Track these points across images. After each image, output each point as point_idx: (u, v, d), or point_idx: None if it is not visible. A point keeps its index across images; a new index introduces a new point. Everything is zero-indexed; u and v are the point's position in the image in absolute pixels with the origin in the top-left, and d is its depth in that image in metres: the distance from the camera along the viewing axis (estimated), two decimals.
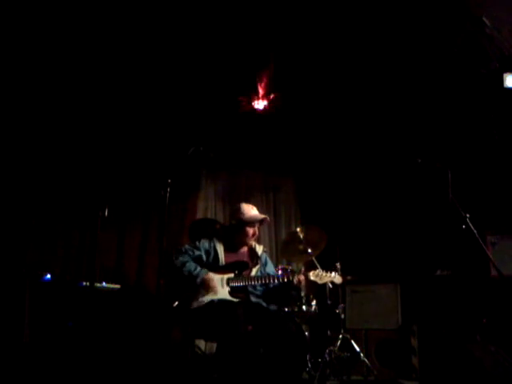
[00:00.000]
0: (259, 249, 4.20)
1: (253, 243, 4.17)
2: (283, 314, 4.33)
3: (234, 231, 4.11)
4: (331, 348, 4.73)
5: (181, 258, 3.91)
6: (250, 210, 4.11)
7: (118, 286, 4.76)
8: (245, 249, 4.16)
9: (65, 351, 4.16)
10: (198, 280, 3.79)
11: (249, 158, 6.33)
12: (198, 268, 3.86)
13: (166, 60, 5.04)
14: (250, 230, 4.07)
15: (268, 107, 5.62)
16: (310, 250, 4.74)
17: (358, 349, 4.82)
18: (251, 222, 4.06)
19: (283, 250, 5.29)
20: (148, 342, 4.51)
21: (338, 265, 4.95)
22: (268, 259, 4.26)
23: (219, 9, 4.47)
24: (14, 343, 4.17)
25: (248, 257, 4.14)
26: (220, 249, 4.04)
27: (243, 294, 3.91)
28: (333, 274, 4.00)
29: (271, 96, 5.54)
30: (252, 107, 5.66)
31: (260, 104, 5.63)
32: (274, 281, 3.93)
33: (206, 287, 3.79)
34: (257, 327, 3.77)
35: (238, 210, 4.11)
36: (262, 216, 4.13)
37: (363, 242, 6.10)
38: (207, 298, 3.80)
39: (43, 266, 4.86)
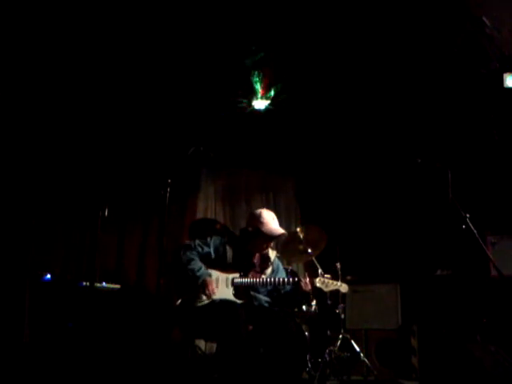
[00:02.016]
0: (272, 253, 4.06)
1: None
2: (283, 314, 4.32)
3: (249, 238, 3.93)
4: (331, 348, 4.73)
5: (188, 254, 3.78)
6: (271, 221, 3.87)
7: (118, 286, 4.76)
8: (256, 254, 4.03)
9: (65, 351, 4.16)
10: (199, 281, 3.72)
11: (249, 158, 6.32)
12: (202, 269, 3.76)
13: (166, 60, 5.04)
14: (265, 243, 3.93)
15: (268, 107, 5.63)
16: (309, 250, 4.73)
17: (358, 349, 4.82)
18: (269, 236, 3.88)
19: (283, 250, 5.28)
20: (148, 341, 4.51)
21: (338, 265, 4.95)
22: (280, 266, 4.13)
23: (219, 9, 4.47)
24: (14, 343, 4.17)
25: (259, 259, 4.02)
26: (229, 251, 3.91)
27: (246, 298, 3.86)
28: (339, 282, 3.96)
29: (271, 96, 5.55)
30: (252, 107, 5.67)
31: (260, 104, 5.63)
32: (279, 284, 3.85)
33: (203, 290, 3.71)
34: (257, 327, 3.76)
35: (258, 219, 3.87)
36: (281, 231, 3.89)
37: (363, 242, 6.09)
38: (210, 298, 3.77)
39: (43, 266, 4.86)
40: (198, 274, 3.73)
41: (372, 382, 4.77)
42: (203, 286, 3.72)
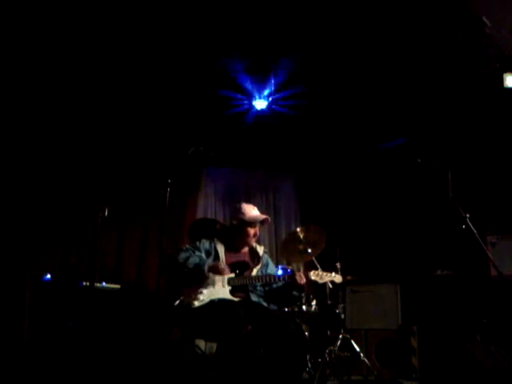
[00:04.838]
0: (260, 249, 4.18)
1: (254, 244, 4.17)
2: (283, 314, 4.33)
3: (235, 232, 4.08)
4: (331, 348, 4.73)
5: (183, 254, 3.88)
6: (251, 210, 4.08)
7: (118, 286, 4.77)
8: (246, 249, 4.14)
9: (65, 351, 4.16)
10: (206, 268, 3.79)
11: (249, 158, 6.33)
12: (204, 258, 3.88)
13: (166, 60, 5.04)
14: (251, 231, 4.04)
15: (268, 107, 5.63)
16: (309, 250, 4.74)
17: (358, 349, 4.82)
18: (252, 223, 4.04)
19: (283, 249, 5.29)
20: (148, 341, 4.51)
21: (338, 265, 4.96)
22: (269, 260, 4.23)
23: (219, 9, 4.47)
24: (14, 343, 4.18)
25: (249, 257, 4.12)
26: (221, 249, 4.02)
27: (244, 294, 3.91)
28: (333, 273, 3.99)
29: (271, 96, 5.55)
30: (252, 107, 5.67)
31: (260, 104, 5.63)
32: (274, 280, 3.91)
33: (215, 271, 3.80)
34: (257, 327, 3.77)
35: (239, 211, 4.07)
36: (263, 216, 4.10)
37: (363, 242, 6.10)
38: (208, 298, 3.79)
39: (43, 266, 4.86)
40: (201, 263, 3.83)
41: (372, 381, 4.77)
42: (213, 270, 3.80)
